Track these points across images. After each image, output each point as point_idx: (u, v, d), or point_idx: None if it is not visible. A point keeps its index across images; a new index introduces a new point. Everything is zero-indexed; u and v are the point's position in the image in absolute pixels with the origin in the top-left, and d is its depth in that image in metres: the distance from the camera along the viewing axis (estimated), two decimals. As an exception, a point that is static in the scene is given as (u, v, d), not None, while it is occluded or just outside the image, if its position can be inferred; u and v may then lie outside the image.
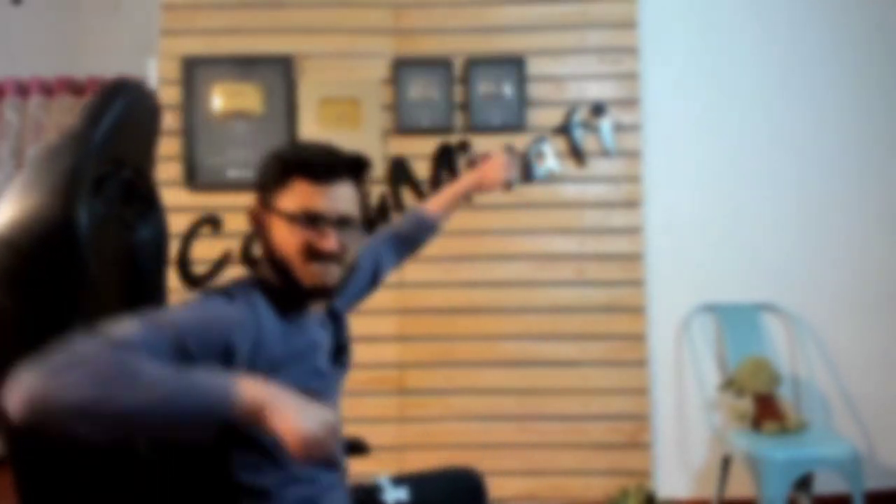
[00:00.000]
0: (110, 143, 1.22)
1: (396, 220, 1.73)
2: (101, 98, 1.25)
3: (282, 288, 1.22)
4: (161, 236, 1.40)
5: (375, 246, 1.63)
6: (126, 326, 1.00)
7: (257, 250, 1.30)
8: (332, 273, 1.21)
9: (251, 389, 0.97)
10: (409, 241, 1.72)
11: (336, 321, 1.35)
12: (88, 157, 1.18)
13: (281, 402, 0.98)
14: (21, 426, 0.90)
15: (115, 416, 0.90)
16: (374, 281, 1.61)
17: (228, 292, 1.18)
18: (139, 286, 1.34)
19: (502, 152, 1.83)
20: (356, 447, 1.63)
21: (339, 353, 1.34)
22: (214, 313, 1.11)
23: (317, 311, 1.28)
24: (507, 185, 1.84)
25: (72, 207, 1.12)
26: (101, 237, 1.17)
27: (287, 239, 1.19)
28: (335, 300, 1.32)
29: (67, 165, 1.15)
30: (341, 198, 1.21)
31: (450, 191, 1.79)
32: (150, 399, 0.91)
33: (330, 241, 1.18)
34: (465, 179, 1.82)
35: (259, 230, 1.25)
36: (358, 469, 2.75)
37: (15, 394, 0.89)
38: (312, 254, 1.18)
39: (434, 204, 1.77)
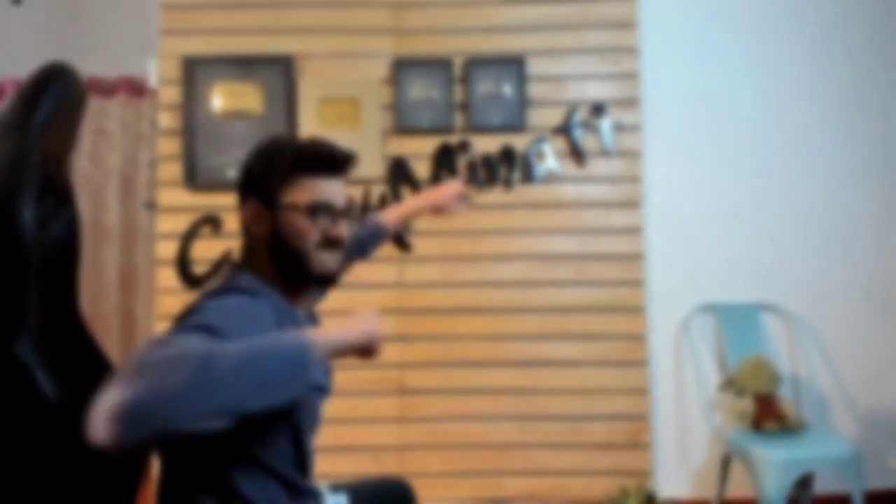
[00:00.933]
0: (45, 133, 1.13)
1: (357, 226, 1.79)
2: (36, 83, 1.16)
3: (285, 283, 1.26)
4: (74, 235, 1.30)
5: None
6: (190, 341, 0.99)
7: (244, 252, 1.30)
8: (338, 260, 1.29)
9: (312, 333, 1.05)
10: (363, 249, 1.78)
11: (314, 321, 1.40)
12: (30, 147, 1.09)
13: (336, 328, 1.11)
14: (110, 446, 0.86)
15: (213, 394, 0.91)
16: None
17: (246, 291, 1.20)
18: (50, 287, 1.23)
19: (458, 183, 1.97)
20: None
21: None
22: (253, 311, 1.15)
23: (303, 309, 1.33)
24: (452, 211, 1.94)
25: (14, 204, 1.04)
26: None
27: (302, 230, 1.23)
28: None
29: (6, 156, 1.06)
30: (343, 190, 1.28)
31: (409, 207, 1.90)
32: (240, 367, 0.93)
33: (343, 229, 1.27)
34: (424, 199, 1.92)
35: (258, 230, 1.26)
36: (358, 470, 2.76)
37: (102, 415, 0.87)
38: (328, 242, 1.25)
39: (392, 216, 1.85)
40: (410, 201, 1.95)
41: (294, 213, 1.23)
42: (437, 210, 1.89)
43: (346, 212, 1.28)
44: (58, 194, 1.25)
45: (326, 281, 1.29)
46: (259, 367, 0.95)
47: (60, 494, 1.14)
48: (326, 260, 1.26)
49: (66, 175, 1.31)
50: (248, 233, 1.28)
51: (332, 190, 1.25)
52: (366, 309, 1.12)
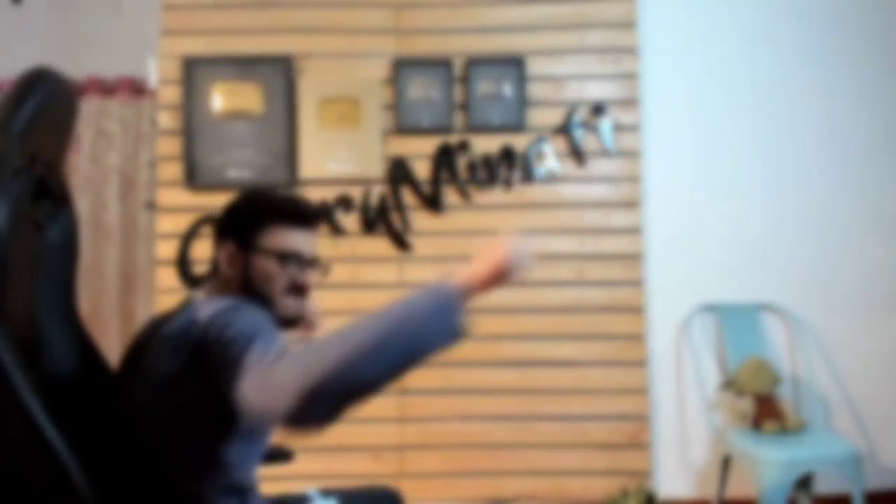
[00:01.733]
0: (28, 135, 1.14)
1: None
2: (19, 87, 1.17)
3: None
4: (72, 236, 1.33)
5: None
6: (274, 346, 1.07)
7: (216, 287, 1.34)
8: (301, 306, 1.37)
9: (448, 278, 1.11)
10: None
11: None
12: (8, 149, 1.10)
13: (468, 268, 1.13)
14: (285, 417, 0.96)
15: (382, 355, 0.99)
16: None
17: (246, 300, 1.26)
18: (49, 290, 1.25)
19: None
20: (279, 454, 1.66)
21: None
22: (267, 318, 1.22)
23: None
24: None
25: None
26: (11, 236, 1.09)
27: (271, 275, 1.30)
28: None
29: None
30: (314, 241, 1.38)
31: None
32: (395, 324, 1.02)
33: (309, 278, 1.35)
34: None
35: (232, 270, 1.32)
36: (357, 470, 2.76)
37: (279, 391, 0.96)
38: (294, 289, 1.33)
39: None
40: None
41: (266, 257, 1.30)
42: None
43: (314, 262, 1.36)
44: (54, 196, 1.25)
45: (288, 325, 1.36)
46: (411, 320, 1.03)
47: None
48: (291, 305, 1.33)
49: (62, 177, 1.31)
50: (222, 272, 1.33)
51: (303, 241, 1.33)
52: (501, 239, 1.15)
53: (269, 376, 0.99)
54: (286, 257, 1.31)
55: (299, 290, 1.33)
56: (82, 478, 1.08)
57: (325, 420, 0.98)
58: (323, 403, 0.97)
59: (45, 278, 1.25)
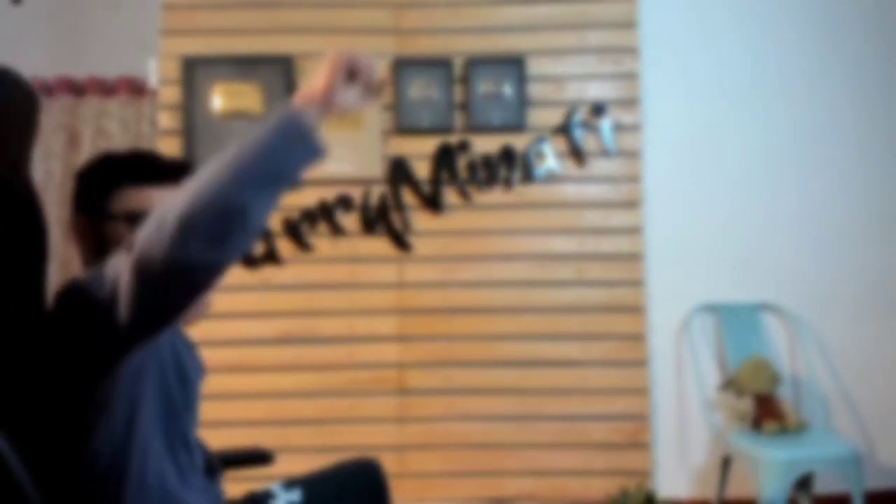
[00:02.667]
0: None
1: None
2: None
3: None
4: (42, 236, 1.25)
5: None
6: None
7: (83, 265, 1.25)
8: None
9: (295, 101, 1.03)
10: None
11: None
12: None
13: (314, 81, 1.04)
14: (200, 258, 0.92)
15: (247, 172, 0.95)
16: None
17: None
18: (15, 292, 1.20)
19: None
20: (260, 457, 1.61)
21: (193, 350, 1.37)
22: None
23: None
24: None
25: None
26: None
27: (121, 241, 1.17)
28: None
29: None
30: (169, 198, 1.25)
31: None
32: (250, 151, 0.97)
33: None
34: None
35: (84, 246, 1.22)
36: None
37: (158, 232, 0.92)
38: None
39: None
40: None
41: (117, 223, 1.18)
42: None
43: None
44: (16, 197, 1.21)
45: None
46: (264, 144, 0.97)
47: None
48: None
49: (27, 178, 1.27)
50: (80, 253, 1.23)
51: (161, 199, 1.19)
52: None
53: (150, 224, 0.94)
54: (136, 219, 1.13)
55: None
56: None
57: (209, 255, 0.92)
58: (198, 235, 0.91)
59: (10, 281, 1.20)
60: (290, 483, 1.46)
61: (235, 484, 1.57)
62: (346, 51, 1.04)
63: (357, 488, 1.50)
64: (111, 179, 1.21)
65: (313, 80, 1.03)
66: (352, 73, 1.04)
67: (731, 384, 2.66)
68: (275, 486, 1.44)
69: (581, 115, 2.76)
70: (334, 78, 1.03)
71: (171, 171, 1.23)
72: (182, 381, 1.26)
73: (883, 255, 2.85)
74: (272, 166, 0.98)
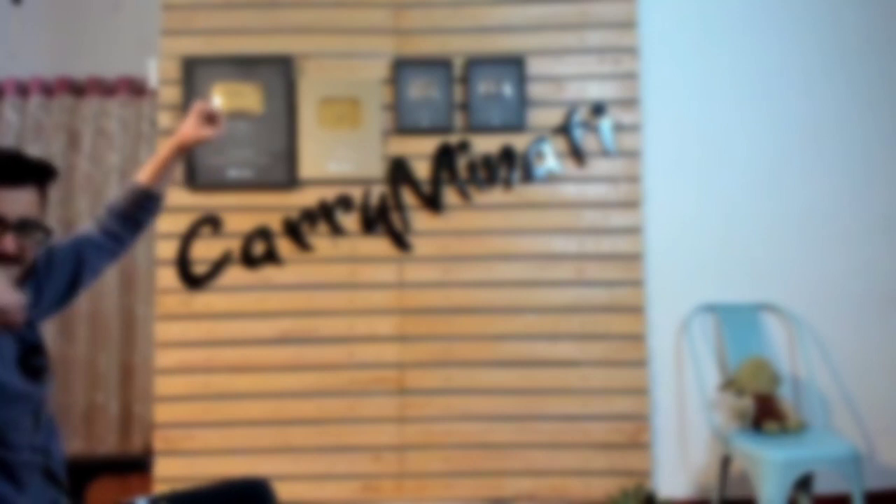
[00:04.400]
0: None
1: (103, 213, 1.60)
2: None
3: None
4: None
5: (77, 249, 1.52)
6: None
7: None
8: (10, 275, 1.22)
9: None
10: (128, 219, 1.60)
11: (27, 326, 1.32)
12: None
13: None
14: None
15: None
16: (73, 285, 1.50)
17: None
18: None
19: (199, 105, 1.65)
20: (134, 464, 1.63)
21: (30, 358, 1.31)
22: None
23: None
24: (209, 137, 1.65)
25: None
26: None
27: None
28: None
29: None
30: (22, 201, 1.22)
31: (156, 158, 1.63)
32: None
33: (8, 243, 1.20)
34: (167, 143, 1.65)
35: None
36: (357, 470, 2.76)
37: None
38: None
39: (145, 175, 1.61)
40: (159, 151, 1.66)
41: None
42: (185, 144, 1.62)
43: (20, 225, 1.21)
44: None
45: None
46: None
47: None
48: None
49: None
50: None
51: (6, 201, 1.19)
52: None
53: None
54: None
55: None
56: None
57: None
58: None
59: None
60: (155, 499, 1.46)
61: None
62: None
63: None
64: None
65: None
66: None
67: (731, 384, 2.66)
68: (141, 501, 1.44)
69: (581, 115, 2.76)
70: None
71: (17, 173, 1.21)
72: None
73: (883, 255, 2.85)
74: None
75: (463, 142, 2.74)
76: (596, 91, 2.77)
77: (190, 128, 1.62)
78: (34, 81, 3.38)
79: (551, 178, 2.75)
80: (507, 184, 2.75)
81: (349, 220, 2.74)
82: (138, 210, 1.59)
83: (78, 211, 3.38)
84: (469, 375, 2.72)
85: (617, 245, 2.75)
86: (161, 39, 2.76)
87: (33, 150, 3.30)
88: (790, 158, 2.85)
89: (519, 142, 2.74)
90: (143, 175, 1.61)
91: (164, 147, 1.63)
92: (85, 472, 1.64)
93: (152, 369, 2.79)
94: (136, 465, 2.18)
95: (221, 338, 2.70)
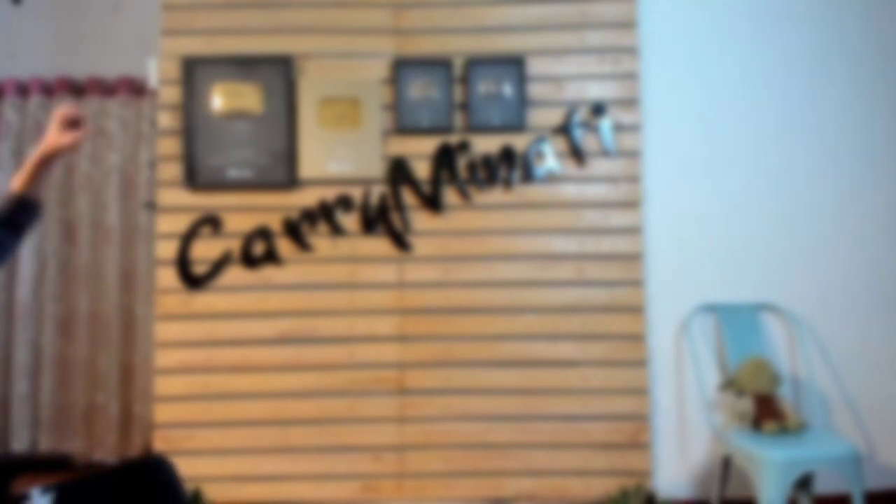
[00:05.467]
0: None
1: None
2: None
3: None
4: None
5: None
6: None
7: None
8: None
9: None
10: (11, 226, 1.61)
11: None
12: None
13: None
14: None
15: None
16: None
17: None
18: None
19: (59, 112, 1.64)
20: (58, 461, 1.64)
21: None
22: None
23: None
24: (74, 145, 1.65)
25: None
26: None
27: None
28: None
29: None
30: None
31: (26, 166, 1.64)
32: None
33: None
34: (37, 151, 1.65)
35: None
36: (357, 470, 2.76)
37: None
38: None
39: (18, 182, 1.63)
40: (30, 158, 1.65)
41: None
42: (47, 154, 1.62)
43: None
44: None
45: None
46: None
47: None
48: None
49: None
50: None
51: None
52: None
53: None
54: None
55: None
56: None
57: None
58: None
59: None
60: (47, 487, 1.47)
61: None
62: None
63: (141, 488, 1.49)
64: None
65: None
66: None
67: (731, 384, 2.66)
68: (33, 490, 1.44)
69: (581, 115, 2.76)
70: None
71: None
72: None
73: (883, 256, 2.84)
74: None
75: (463, 142, 2.74)
76: (596, 91, 2.77)
77: (51, 136, 1.63)
78: (34, 81, 3.38)
79: (551, 178, 2.75)
80: (507, 184, 2.75)
81: (349, 220, 2.74)
82: (17, 215, 1.61)
83: (78, 211, 3.38)
84: (469, 375, 2.72)
85: (617, 245, 2.75)
86: (161, 39, 2.76)
87: (33, 150, 3.30)
88: (790, 158, 2.85)
89: (519, 142, 2.74)
90: (15, 182, 1.63)
91: (33, 155, 1.65)
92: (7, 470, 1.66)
93: (152, 369, 2.79)
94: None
95: (221, 338, 2.70)
